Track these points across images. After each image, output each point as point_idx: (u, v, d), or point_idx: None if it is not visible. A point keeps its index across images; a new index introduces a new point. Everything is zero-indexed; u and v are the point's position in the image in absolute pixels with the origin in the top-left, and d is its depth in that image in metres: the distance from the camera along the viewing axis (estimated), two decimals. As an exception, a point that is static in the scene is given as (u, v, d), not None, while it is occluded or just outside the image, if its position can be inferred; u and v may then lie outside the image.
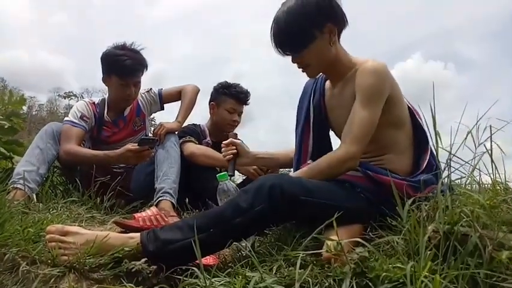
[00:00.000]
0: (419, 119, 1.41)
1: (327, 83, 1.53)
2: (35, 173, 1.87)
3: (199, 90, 2.41)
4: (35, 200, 1.55)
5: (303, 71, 1.42)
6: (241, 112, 2.54)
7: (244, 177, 2.56)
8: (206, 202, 2.17)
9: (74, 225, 1.48)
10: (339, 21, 1.37)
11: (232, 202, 1.14)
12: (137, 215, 1.46)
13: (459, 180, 1.50)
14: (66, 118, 2.11)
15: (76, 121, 2.09)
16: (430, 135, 1.37)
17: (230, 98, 2.47)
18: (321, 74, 1.51)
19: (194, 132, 2.40)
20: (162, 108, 2.44)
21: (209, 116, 2.59)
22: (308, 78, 1.55)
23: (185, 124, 2.39)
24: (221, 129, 2.50)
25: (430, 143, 1.38)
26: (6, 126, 2.14)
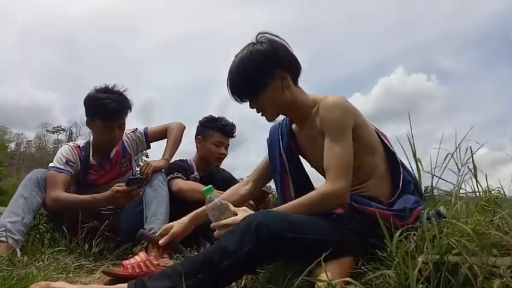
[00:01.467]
0: (385, 141, 1.45)
1: (294, 125, 1.55)
2: (20, 223, 1.83)
3: (184, 128, 2.42)
4: (19, 255, 1.51)
5: (262, 115, 1.46)
6: (228, 145, 2.54)
7: None
8: (198, 239, 2.14)
9: (61, 277, 1.45)
10: (290, 67, 1.41)
11: (219, 245, 1.13)
12: (125, 262, 1.43)
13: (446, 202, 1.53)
14: (51, 164, 2.08)
15: (61, 167, 2.06)
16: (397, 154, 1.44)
17: (216, 131, 2.48)
18: (284, 117, 1.55)
19: (181, 168, 2.39)
20: (148, 147, 2.44)
21: (195, 150, 2.59)
22: (272, 124, 1.61)
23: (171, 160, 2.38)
24: (208, 163, 2.51)
25: (400, 160, 1.44)
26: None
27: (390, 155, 1.43)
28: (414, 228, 1.14)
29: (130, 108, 2.20)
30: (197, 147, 2.55)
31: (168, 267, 1.14)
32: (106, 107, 2.07)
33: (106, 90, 2.15)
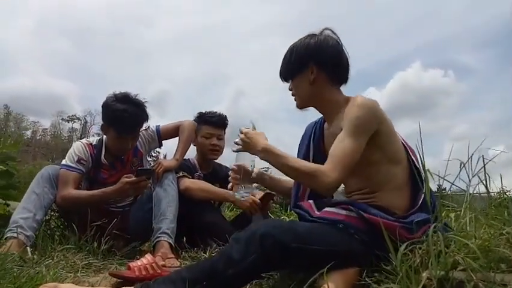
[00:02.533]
0: (412, 157, 1.41)
1: (326, 124, 1.57)
2: (32, 219, 1.87)
3: (196, 126, 2.44)
4: (29, 254, 1.54)
5: (294, 99, 1.55)
6: (221, 135, 2.54)
7: (239, 212, 2.56)
8: (205, 239, 2.16)
9: (70, 276, 1.48)
10: (327, 65, 1.44)
11: (224, 253, 1.13)
12: (132, 264, 1.45)
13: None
14: (63, 162, 2.11)
15: (73, 165, 2.09)
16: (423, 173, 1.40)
17: (204, 124, 2.52)
18: (321, 116, 1.59)
19: (186, 167, 2.41)
20: (160, 145, 2.45)
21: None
22: (310, 121, 1.68)
23: None
24: (205, 157, 2.52)
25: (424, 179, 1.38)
26: (1, 171, 2.14)
27: (413, 170, 1.39)
28: (420, 241, 1.13)
29: (147, 120, 2.21)
30: (194, 145, 2.57)
31: (173, 273, 1.15)
32: (122, 119, 2.07)
33: (124, 99, 2.12)
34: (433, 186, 1.49)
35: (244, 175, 1.59)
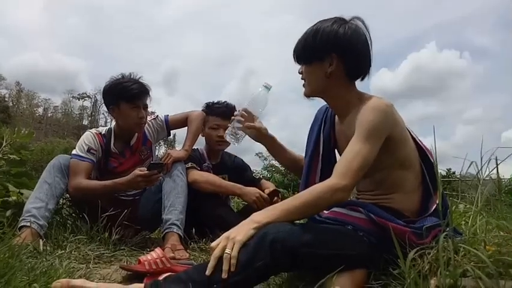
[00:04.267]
0: (431, 159, 1.37)
1: (336, 117, 1.53)
2: (44, 208, 1.90)
3: (205, 117, 2.44)
4: (41, 247, 1.57)
5: (303, 85, 1.47)
6: (227, 126, 2.53)
7: (244, 204, 2.57)
8: (213, 229, 2.18)
9: (82, 267, 1.51)
10: (347, 59, 1.36)
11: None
12: (142, 258, 1.48)
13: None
14: (73, 152, 2.14)
15: (83, 155, 2.11)
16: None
17: (211, 115, 2.50)
18: None
19: (194, 158, 2.41)
20: (169, 135, 2.47)
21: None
22: (320, 106, 1.60)
23: None
24: (213, 148, 2.52)
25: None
26: (15, 159, 2.18)
27: (430, 175, 1.32)
28: (429, 247, 1.12)
29: (149, 94, 2.26)
30: (202, 136, 2.56)
31: (183, 273, 1.16)
32: (130, 88, 2.15)
33: (123, 77, 2.22)
34: (443, 171, 1.47)
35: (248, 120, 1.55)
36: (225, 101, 2.57)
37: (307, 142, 1.59)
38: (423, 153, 1.40)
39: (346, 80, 1.40)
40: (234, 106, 2.53)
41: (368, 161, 1.24)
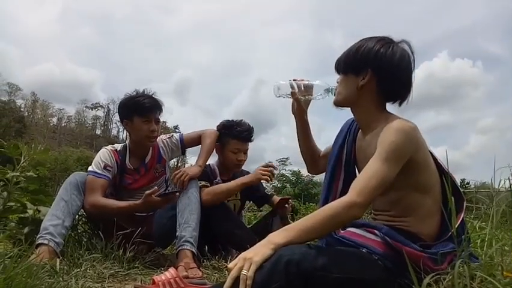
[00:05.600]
0: (454, 181, 1.35)
1: (360, 132, 1.54)
2: (61, 226, 1.94)
3: (218, 134, 2.46)
4: (58, 266, 1.60)
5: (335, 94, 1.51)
6: (246, 149, 2.51)
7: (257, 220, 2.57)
8: (226, 246, 2.19)
9: (98, 285, 1.53)
10: (382, 77, 1.39)
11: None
12: (156, 278, 1.49)
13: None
14: (90, 168, 2.18)
15: (100, 172, 2.16)
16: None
17: (233, 138, 2.45)
18: None
19: (205, 174, 2.39)
20: (183, 154, 2.50)
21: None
22: (347, 118, 1.63)
23: None
24: (228, 169, 2.52)
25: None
26: (32, 176, 2.22)
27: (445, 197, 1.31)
28: (445, 272, 1.12)
29: (161, 108, 2.33)
30: (217, 153, 2.54)
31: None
32: (142, 102, 2.25)
33: (137, 93, 2.32)
34: (457, 180, 1.45)
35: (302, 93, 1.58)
36: (247, 123, 2.52)
37: (331, 149, 1.61)
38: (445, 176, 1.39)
39: (377, 97, 1.41)
40: (253, 128, 2.52)
41: (385, 181, 1.24)
